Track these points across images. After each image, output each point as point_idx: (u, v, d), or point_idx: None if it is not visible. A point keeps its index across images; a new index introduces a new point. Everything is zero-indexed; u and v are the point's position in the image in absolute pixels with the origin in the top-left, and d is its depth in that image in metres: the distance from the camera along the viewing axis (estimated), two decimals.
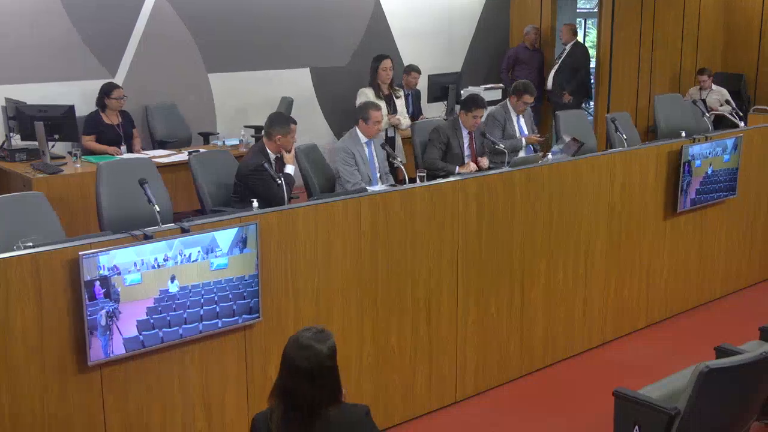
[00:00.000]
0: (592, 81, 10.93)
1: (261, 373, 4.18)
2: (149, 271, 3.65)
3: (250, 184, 5.51)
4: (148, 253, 3.64)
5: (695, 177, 6.12)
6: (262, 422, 2.73)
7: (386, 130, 7.62)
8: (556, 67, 10.40)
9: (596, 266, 5.72)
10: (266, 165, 5.40)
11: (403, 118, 7.83)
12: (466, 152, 6.69)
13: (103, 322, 3.54)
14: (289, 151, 5.71)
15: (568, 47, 10.30)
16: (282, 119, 5.83)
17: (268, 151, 5.67)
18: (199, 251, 3.80)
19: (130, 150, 7.45)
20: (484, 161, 6.65)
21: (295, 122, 5.86)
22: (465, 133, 6.67)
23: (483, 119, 7.08)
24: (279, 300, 4.19)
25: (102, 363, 3.62)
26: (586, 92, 10.59)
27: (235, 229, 3.91)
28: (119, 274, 3.56)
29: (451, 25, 10.65)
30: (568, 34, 10.35)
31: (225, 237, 3.88)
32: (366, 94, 7.66)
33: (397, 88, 7.85)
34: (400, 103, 7.81)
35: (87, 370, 3.60)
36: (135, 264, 3.61)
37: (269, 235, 4.10)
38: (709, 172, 6.26)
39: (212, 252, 3.85)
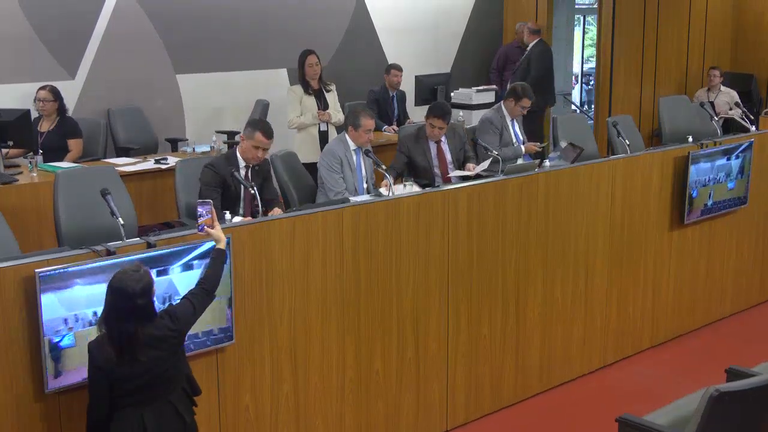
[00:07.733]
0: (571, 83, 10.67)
1: (233, 400, 4.18)
2: None
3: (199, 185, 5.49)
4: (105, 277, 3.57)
5: (695, 208, 6.15)
6: (96, 348, 3.35)
7: (318, 125, 7.77)
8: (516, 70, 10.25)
9: (596, 283, 5.74)
10: (235, 173, 5.36)
11: (336, 113, 7.87)
12: (435, 162, 6.54)
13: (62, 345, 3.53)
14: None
15: (529, 48, 10.13)
16: (254, 122, 5.64)
17: (238, 156, 5.55)
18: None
19: (48, 161, 6.84)
20: (470, 167, 6.53)
21: (265, 132, 5.43)
22: (431, 143, 6.58)
23: (479, 123, 7.06)
24: (253, 321, 4.18)
25: (61, 390, 3.60)
26: (543, 96, 9.75)
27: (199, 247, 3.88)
28: None
29: (439, 22, 10.69)
30: (527, 34, 10.17)
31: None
32: (294, 92, 7.81)
33: (328, 82, 7.92)
34: (331, 97, 7.88)
35: (44, 398, 3.58)
36: None
37: (242, 251, 4.09)
38: (709, 204, 6.25)
39: None
